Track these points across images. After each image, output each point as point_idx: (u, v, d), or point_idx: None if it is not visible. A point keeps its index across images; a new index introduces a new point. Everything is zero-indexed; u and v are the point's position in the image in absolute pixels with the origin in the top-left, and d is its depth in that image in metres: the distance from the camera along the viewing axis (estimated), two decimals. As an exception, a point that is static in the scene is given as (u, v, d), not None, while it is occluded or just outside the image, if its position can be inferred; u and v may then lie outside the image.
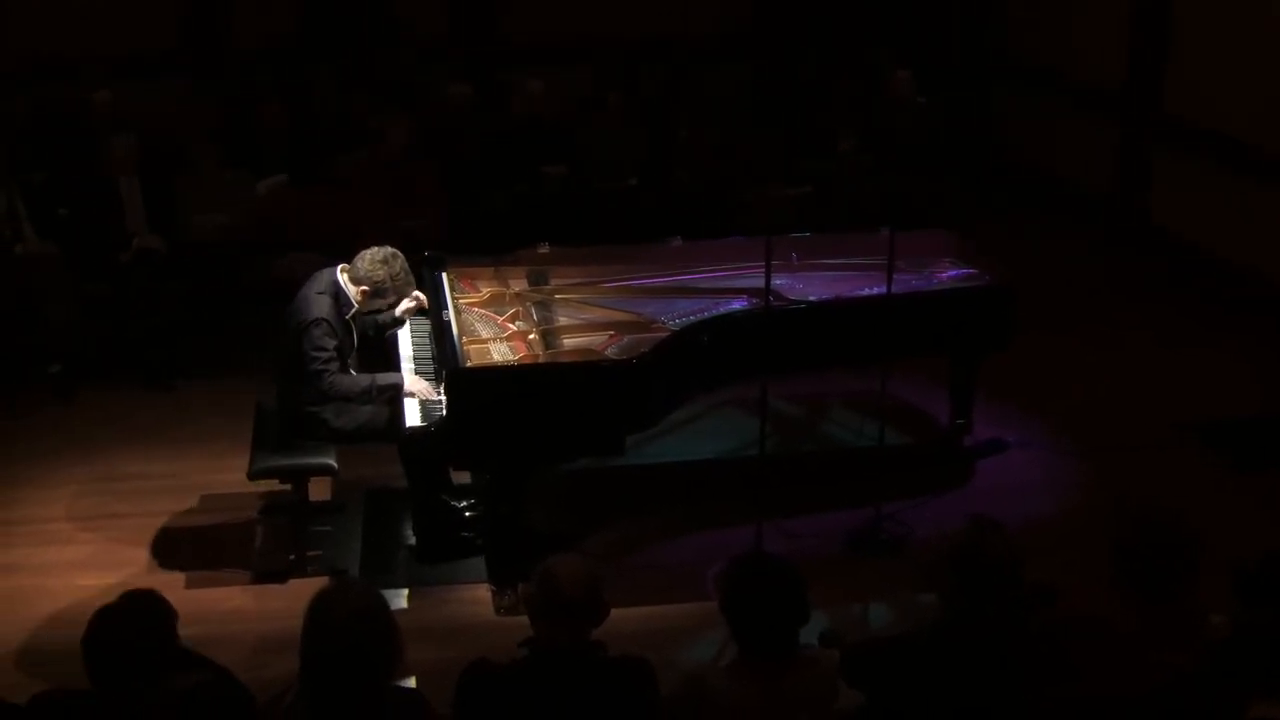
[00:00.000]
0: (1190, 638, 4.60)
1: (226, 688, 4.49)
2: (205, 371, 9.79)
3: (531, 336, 7.45)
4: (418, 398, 7.20)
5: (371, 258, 7.22)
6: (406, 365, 7.58)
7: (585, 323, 7.74)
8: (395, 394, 7.24)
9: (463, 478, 7.94)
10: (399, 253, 7.30)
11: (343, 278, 7.24)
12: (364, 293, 7.21)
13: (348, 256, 7.36)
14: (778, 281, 7.63)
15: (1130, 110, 12.32)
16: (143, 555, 7.61)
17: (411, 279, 7.36)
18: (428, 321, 7.80)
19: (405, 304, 7.56)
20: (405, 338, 7.86)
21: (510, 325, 7.65)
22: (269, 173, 10.78)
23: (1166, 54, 11.86)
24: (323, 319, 7.07)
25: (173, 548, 7.68)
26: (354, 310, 7.26)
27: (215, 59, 12.88)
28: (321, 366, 7.06)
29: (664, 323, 7.60)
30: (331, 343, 7.10)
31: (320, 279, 7.25)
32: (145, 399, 9.52)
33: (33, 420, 9.20)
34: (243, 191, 10.44)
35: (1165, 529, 4.59)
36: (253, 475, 7.26)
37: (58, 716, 4.33)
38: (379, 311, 7.47)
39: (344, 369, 7.23)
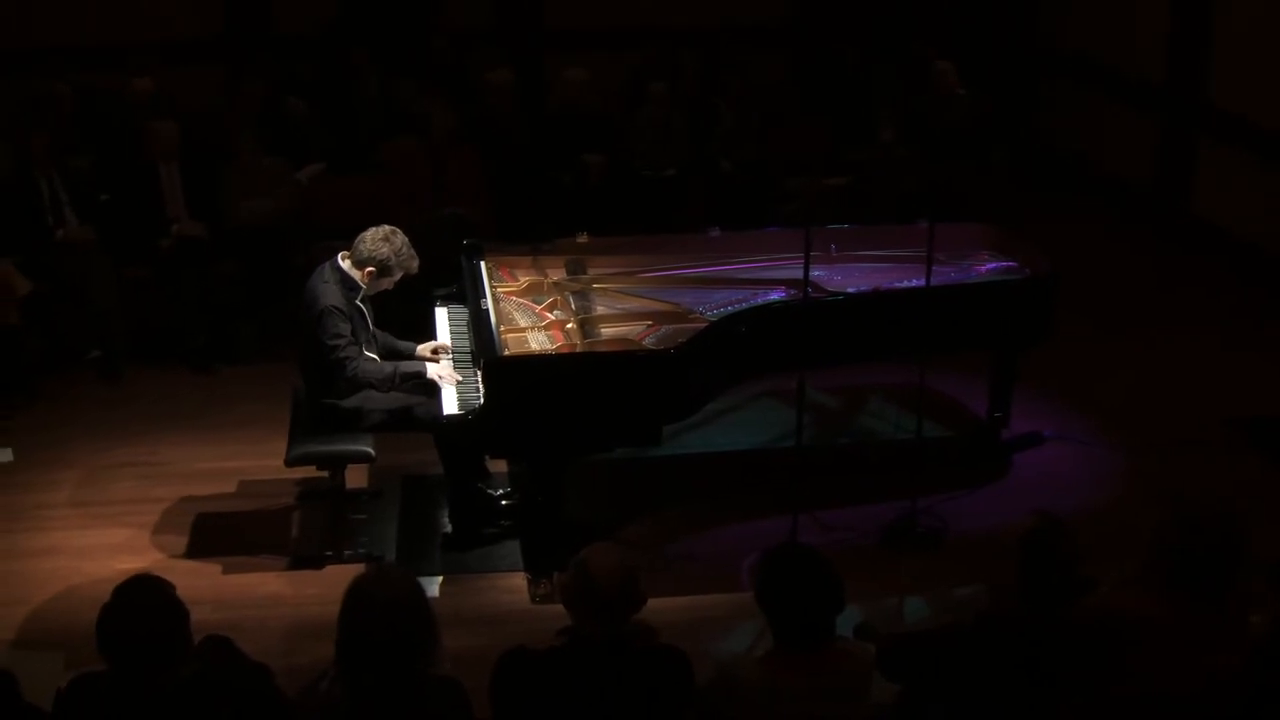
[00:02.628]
0: (1233, 637, 4.58)
1: (228, 674, 4.52)
2: (246, 357, 9.86)
3: (569, 326, 7.45)
4: (443, 382, 7.23)
5: (373, 237, 7.23)
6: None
7: (623, 312, 7.74)
8: (417, 381, 7.29)
9: (499, 466, 7.97)
10: (398, 229, 7.31)
11: (345, 264, 7.26)
12: (369, 273, 7.22)
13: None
14: (816, 273, 7.61)
15: (1173, 102, 12.25)
16: (180, 539, 7.65)
17: (414, 254, 7.34)
18: (465, 310, 7.82)
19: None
20: (443, 326, 7.87)
21: (548, 314, 7.65)
22: (305, 161, 10.81)
23: (1211, 45, 11.79)
24: (334, 306, 7.10)
25: (210, 532, 7.72)
26: (362, 292, 7.28)
27: (258, 46, 12.92)
28: (343, 354, 7.09)
29: (702, 313, 7.59)
30: (346, 328, 7.13)
31: (324, 269, 7.28)
32: (186, 384, 9.58)
33: (73, 404, 9.25)
34: (283, 178, 10.47)
35: (1216, 532, 4.57)
36: (290, 462, 7.28)
37: (93, 699, 4.35)
38: (386, 291, 7.46)
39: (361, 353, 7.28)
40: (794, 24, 13.96)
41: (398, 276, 7.33)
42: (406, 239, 7.28)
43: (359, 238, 7.25)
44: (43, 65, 11.82)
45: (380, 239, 7.21)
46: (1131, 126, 12.86)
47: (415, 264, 7.36)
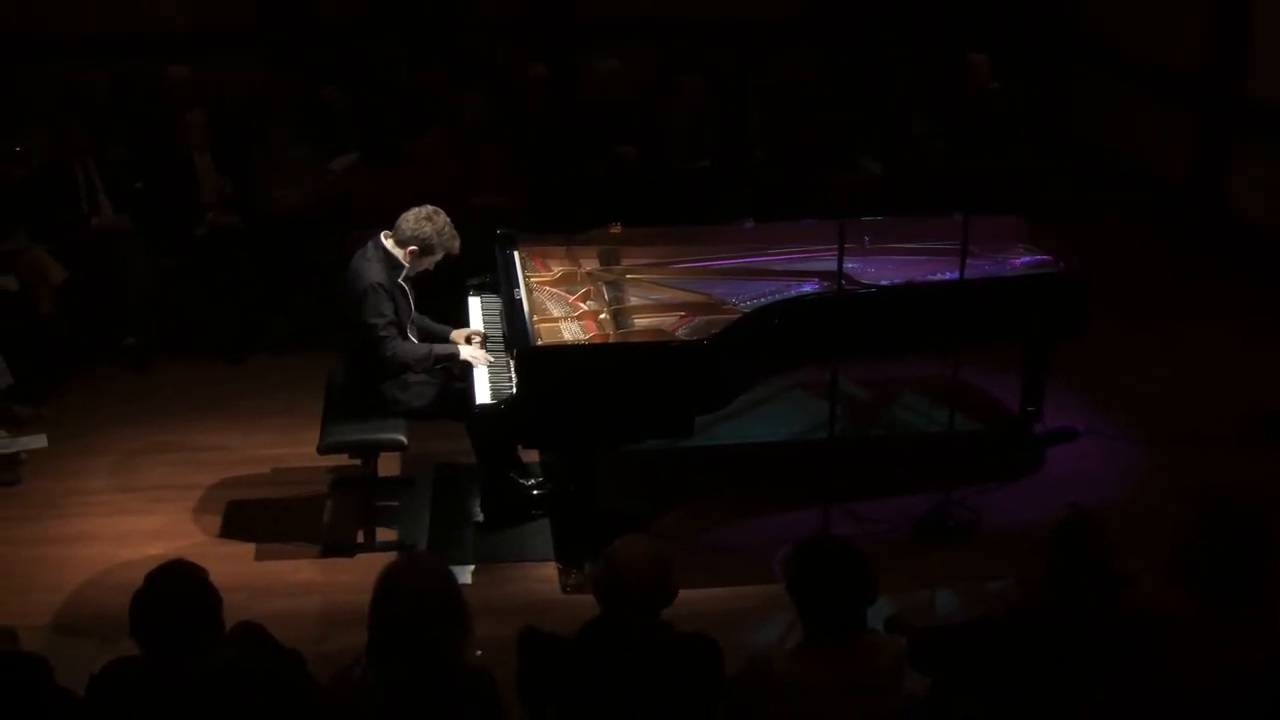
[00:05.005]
0: (1261, 633, 4.56)
1: (261, 661, 4.53)
2: (278, 345, 9.89)
3: (602, 316, 7.45)
4: (476, 363, 7.26)
5: (415, 216, 7.26)
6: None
7: (656, 303, 7.74)
8: (450, 363, 7.32)
9: (532, 455, 7.97)
10: (440, 209, 7.34)
11: (388, 243, 7.28)
12: (412, 253, 7.24)
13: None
14: (849, 265, 7.59)
15: (1208, 95, 12.18)
16: (214, 526, 7.69)
17: (456, 234, 7.35)
18: (499, 299, 7.83)
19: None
20: (476, 316, 7.89)
21: (581, 304, 7.66)
22: (338, 152, 10.83)
23: (1247, 37, 11.71)
24: (378, 284, 7.13)
25: (243, 520, 7.75)
26: (405, 272, 7.30)
27: (292, 36, 12.95)
28: (382, 333, 7.12)
29: (735, 304, 7.58)
30: (389, 307, 7.16)
31: (368, 247, 7.31)
32: (219, 372, 9.62)
33: (108, 392, 9.30)
34: (317, 168, 10.49)
35: (1240, 527, 4.55)
36: (323, 449, 7.30)
37: (126, 684, 4.37)
38: (428, 271, 7.48)
39: (403, 333, 7.30)
40: (827, 16, 13.92)
41: (439, 256, 7.35)
42: (449, 219, 7.30)
43: (401, 217, 7.28)
44: (79, 54, 11.88)
45: (423, 218, 7.23)
46: (1166, 121, 12.79)
47: (456, 244, 7.37)
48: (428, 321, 7.66)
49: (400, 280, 7.28)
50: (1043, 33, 14.21)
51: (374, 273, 7.16)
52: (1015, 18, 14.01)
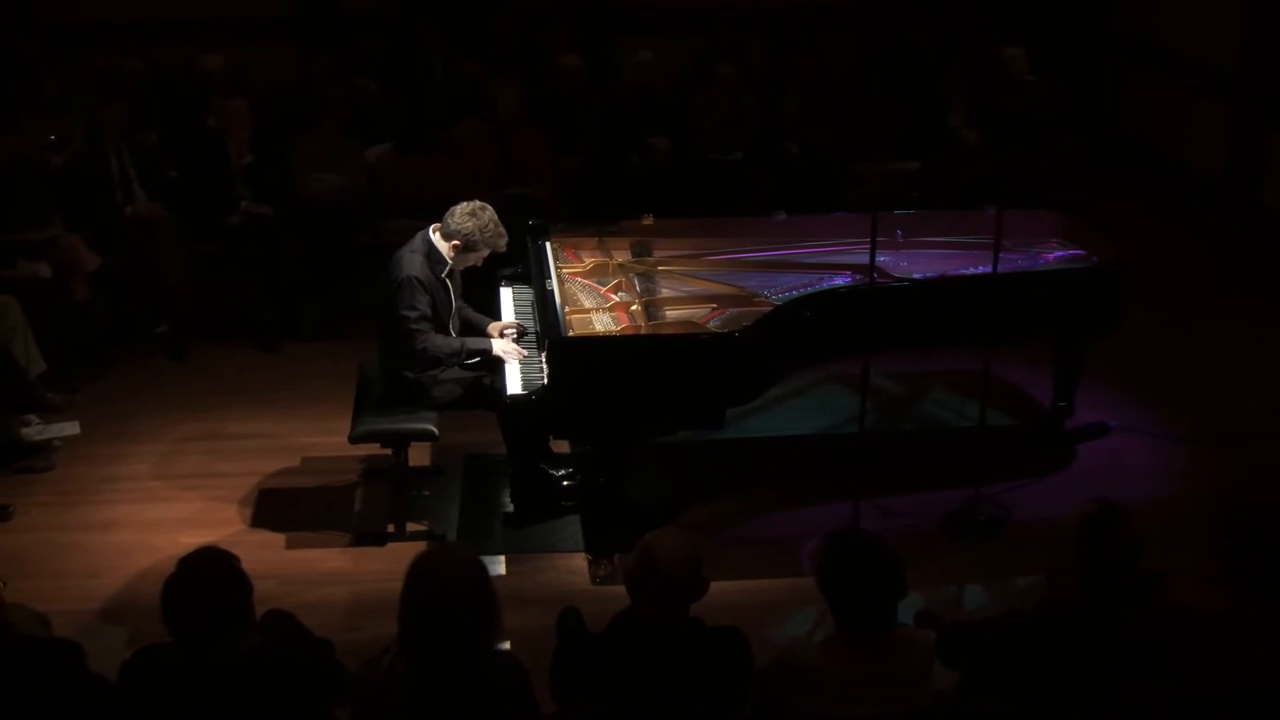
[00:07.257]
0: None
1: (291, 649, 4.55)
2: (312, 334, 9.92)
3: (634, 307, 7.45)
4: (508, 357, 7.26)
5: (461, 211, 7.25)
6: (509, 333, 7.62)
7: (688, 295, 7.73)
8: (484, 357, 7.32)
9: (561, 446, 7.98)
10: (488, 205, 7.32)
11: (435, 236, 7.28)
12: (455, 247, 7.24)
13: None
14: (882, 258, 7.58)
15: (1246, 91, 12.11)
16: (245, 514, 7.71)
17: (502, 231, 7.33)
18: (530, 290, 7.84)
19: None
20: (508, 306, 7.90)
21: (613, 296, 7.65)
22: (372, 141, 10.84)
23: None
24: (414, 277, 7.13)
25: (274, 508, 7.77)
26: (448, 267, 7.30)
27: (328, 24, 12.97)
28: (414, 326, 7.13)
29: (767, 297, 7.57)
30: (424, 300, 7.16)
31: (416, 238, 7.33)
32: (252, 360, 9.64)
33: (141, 379, 9.33)
34: (353, 156, 10.49)
35: (1275, 526, 4.53)
36: (354, 439, 7.31)
37: (157, 670, 4.39)
38: (475, 266, 7.49)
39: (442, 327, 7.30)
40: (864, 7, 13.89)
41: (484, 253, 7.35)
42: (495, 216, 7.28)
43: (449, 210, 7.27)
44: (113, 42, 11.91)
45: (467, 214, 7.23)
46: (1204, 116, 12.73)
47: (503, 242, 7.36)
48: (469, 311, 7.66)
49: (443, 275, 7.28)
50: (1081, 26, 14.14)
51: (413, 265, 7.17)
52: (1053, 10, 13.94)
